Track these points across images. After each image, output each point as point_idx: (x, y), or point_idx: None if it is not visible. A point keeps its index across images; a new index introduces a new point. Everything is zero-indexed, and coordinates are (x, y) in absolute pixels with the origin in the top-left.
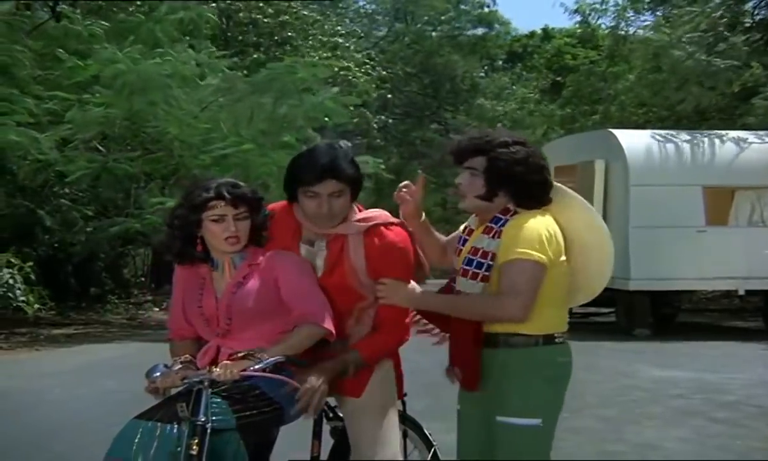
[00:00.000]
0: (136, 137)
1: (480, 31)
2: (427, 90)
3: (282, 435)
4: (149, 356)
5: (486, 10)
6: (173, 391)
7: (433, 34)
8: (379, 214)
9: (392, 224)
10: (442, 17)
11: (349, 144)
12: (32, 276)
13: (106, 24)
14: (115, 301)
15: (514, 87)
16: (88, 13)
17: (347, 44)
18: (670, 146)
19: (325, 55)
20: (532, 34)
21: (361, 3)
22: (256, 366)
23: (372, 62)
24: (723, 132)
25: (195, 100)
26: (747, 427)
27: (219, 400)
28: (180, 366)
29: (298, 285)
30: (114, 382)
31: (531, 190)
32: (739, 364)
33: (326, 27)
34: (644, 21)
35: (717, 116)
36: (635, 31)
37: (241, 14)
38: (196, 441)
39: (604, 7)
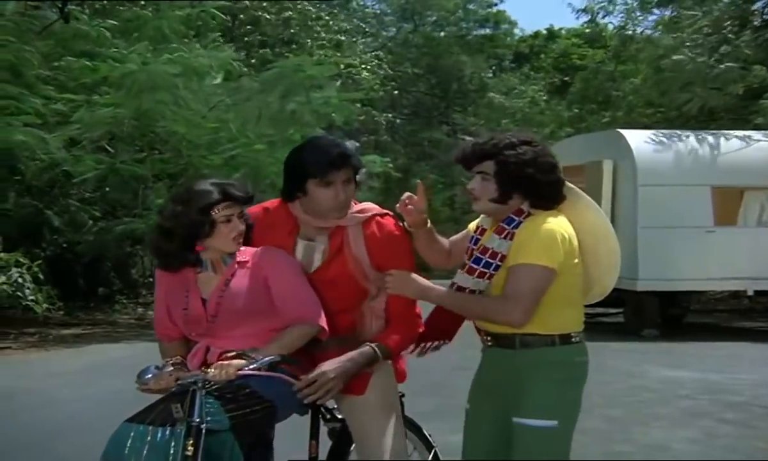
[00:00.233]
0: (144, 136)
1: (488, 30)
2: (435, 90)
3: (280, 436)
4: (157, 356)
5: (494, 10)
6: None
7: (441, 34)
8: (372, 206)
9: (386, 214)
10: (451, 17)
11: (357, 144)
12: (41, 276)
13: (114, 22)
14: (123, 301)
15: (522, 87)
16: (95, 12)
17: (353, 40)
18: (678, 146)
19: (330, 52)
20: (537, 35)
21: (369, 3)
22: (252, 366)
23: (378, 61)
24: (732, 132)
25: (202, 100)
26: (755, 428)
27: (212, 400)
28: (171, 367)
29: (289, 283)
30: (122, 382)
31: (543, 189)
32: (747, 365)
33: (331, 23)
34: (652, 20)
35: (726, 117)
36: (642, 31)
37: (243, 15)
38: (192, 441)
39: (612, 6)
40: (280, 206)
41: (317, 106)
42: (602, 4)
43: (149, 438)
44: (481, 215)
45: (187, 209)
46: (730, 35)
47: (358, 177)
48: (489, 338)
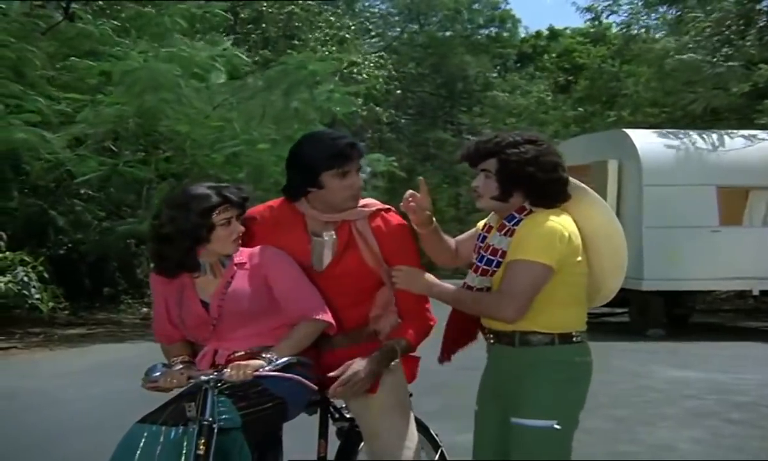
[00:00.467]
0: (148, 135)
1: (493, 30)
2: (440, 90)
3: (288, 436)
4: (161, 356)
5: (499, 10)
6: (176, 391)
7: (446, 34)
8: (375, 201)
9: (389, 209)
10: (456, 17)
11: (362, 143)
12: (46, 275)
13: (116, 23)
14: (128, 301)
15: (527, 87)
16: (99, 11)
17: (356, 38)
18: (683, 146)
19: (332, 48)
20: (539, 34)
21: (374, 3)
22: (269, 367)
23: (382, 60)
24: (737, 132)
25: (206, 98)
26: (762, 428)
27: (224, 399)
28: (181, 365)
29: (291, 281)
30: (127, 382)
31: (544, 189)
32: (753, 365)
33: (332, 19)
34: (656, 19)
35: (731, 117)
36: (646, 31)
37: (244, 14)
38: (204, 440)
39: (617, 5)
40: (284, 204)
41: (320, 102)
42: (607, 4)
43: (162, 438)
44: (490, 214)
45: (185, 213)
46: (732, 36)
47: (363, 176)
48: (491, 335)
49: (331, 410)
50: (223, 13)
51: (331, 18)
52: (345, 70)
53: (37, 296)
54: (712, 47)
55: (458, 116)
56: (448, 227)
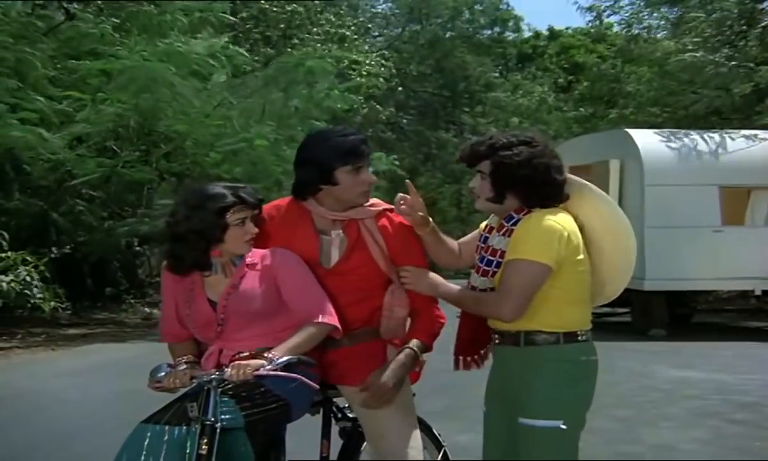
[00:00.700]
0: (148, 135)
1: (495, 30)
2: (442, 90)
3: (291, 436)
4: (164, 356)
5: (501, 10)
6: (180, 391)
7: (449, 34)
8: (379, 201)
9: (393, 209)
10: (459, 15)
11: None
12: (48, 275)
13: (116, 21)
14: (130, 301)
15: (529, 87)
16: (98, 10)
17: (355, 37)
18: (685, 146)
19: (333, 47)
20: (538, 35)
21: (377, 3)
22: (269, 366)
23: (384, 60)
24: (739, 132)
25: (206, 97)
26: (765, 428)
27: (227, 399)
28: (185, 365)
29: (300, 283)
30: (129, 382)
31: (538, 191)
32: (756, 365)
33: (333, 19)
34: (658, 19)
35: (734, 117)
36: (648, 31)
37: (245, 13)
38: (206, 440)
39: (618, 6)
40: (291, 203)
41: (319, 100)
42: (608, 4)
43: (166, 437)
44: (491, 215)
45: (201, 212)
46: (733, 37)
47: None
48: (496, 336)
49: (334, 410)
50: (224, 14)
51: (332, 17)
52: (345, 69)
53: (39, 296)
54: (712, 48)
55: (460, 116)
56: (451, 227)
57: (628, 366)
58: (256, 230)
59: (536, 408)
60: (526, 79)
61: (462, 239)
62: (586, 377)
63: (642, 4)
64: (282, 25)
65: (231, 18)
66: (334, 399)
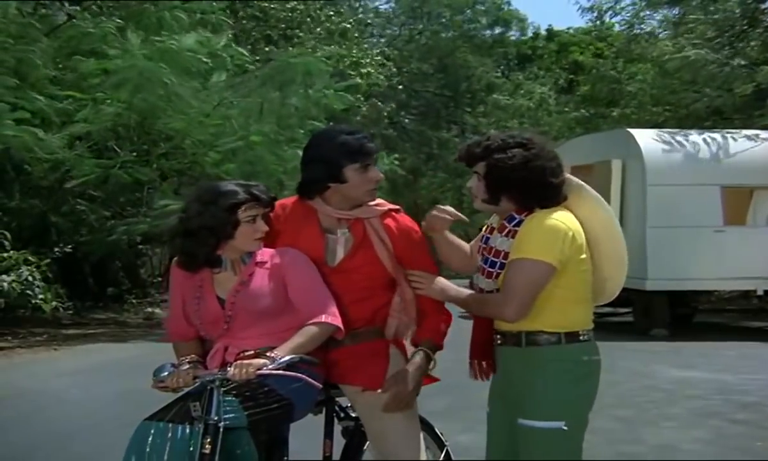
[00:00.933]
0: (148, 134)
1: (497, 30)
2: (444, 90)
3: (294, 435)
4: (165, 356)
5: (503, 10)
6: (184, 390)
7: (450, 33)
8: (383, 201)
9: (398, 210)
10: (460, 16)
11: None
12: (49, 275)
13: (118, 21)
14: (132, 301)
15: (530, 87)
16: (99, 10)
17: (356, 34)
18: (687, 146)
19: (332, 46)
20: (537, 35)
21: (377, 2)
22: (271, 365)
23: (385, 59)
24: (741, 131)
25: (204, 96)
26: (767, 428)
27: (230, 398)
28: (188, 365)
29: (307, 284)
30: (131, 382)
31: (533, 194)
32: (758, 365)
33: (333, 17)
34: (659, 19)
35: (736, 117)
36: (649, 31)
37: (243, 12)
38: (209, 439)
39: (619, 6)
40: (297, 202)
41: (317, 99)
42: (609, 5)
43: (169, 434)
44: (492, 215)
45: (212, 208)
46: (733, 38)
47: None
48: (498, 336)
49: (337, 409)
50: (224, 13)
51: (332, 16)
52: (347, 68)
53: (41, 296)
54: (712, 48)
55: (462, 116)
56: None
57: (629, 366)
58: (267, 228)
59: (538, 409)
60: (528, 79)
61: (473, 242)
62: (589, 377)
63: (643, 4)
64: (282, 25)
65: (228, 22)
66: (337, 399)
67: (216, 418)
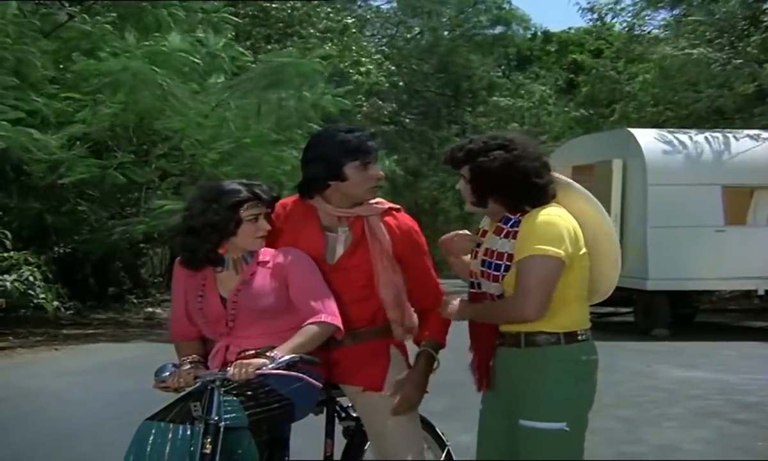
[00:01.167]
0: (147, 135)
1: (498, 29)
2: (444, 90)
3: (295, 435)
4: (166, 356)
5: (504, 10)
6: (185, 390)
7: (451, 33)
8: (384, 200)
9: (399, 209)
10: (461, 15)
11: None
12: (50, 275)
13: (115, 20)
14: (133, 301)
15: (531, 87)
16: (92, 8)
17: (353, 31)
18: (688, 146)
19: (332, 45)
20: (534, 36)
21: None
22: (271, 365)
23: (383, 57)
24: (742, 131)
25: (202, 98)
26: None
27: (231, 398)
28: (189, 365)
29: (309, 283)
30: (132, 382)
31: (518, 194)
32: (759, 365)
33: (332, 16)
34: (660, 19)
35: (737, 116)
36: (650, 31)
37: (243, 12)
38: (210, 439)
39: (620, 6)
40: (297, 201)
41: (314, 100)
42: (610, 6)
43: (170, 435)
44: (484, 218)
45: (215, 206)
46: (733, 38)
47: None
48: (498, 337)
49: (338, 409)
50: (225, 11)
51: (331, 13)
52: (347, 68)
53: (42, 295)
54: (713, 48)
55: (463, 116)
56: (453, 227)
57: (630, 366)
58: (269, 227)
59: (539, 409)
60: (528, 79)
61: None
62: (588, 376)
63: (644, 4)
64: (281, 24)
65: (232, 19)
66: (338, 399)
67: (216, 418)
